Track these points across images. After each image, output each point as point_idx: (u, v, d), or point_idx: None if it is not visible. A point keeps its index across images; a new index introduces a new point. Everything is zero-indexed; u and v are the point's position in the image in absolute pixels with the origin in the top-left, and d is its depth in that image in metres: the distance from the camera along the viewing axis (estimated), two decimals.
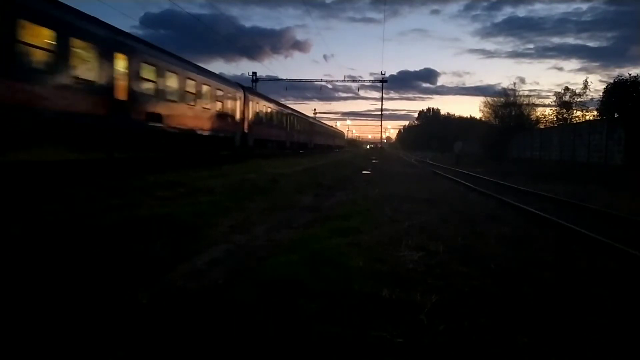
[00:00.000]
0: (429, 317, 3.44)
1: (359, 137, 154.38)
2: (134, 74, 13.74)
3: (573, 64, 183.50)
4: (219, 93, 20.79)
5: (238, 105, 23.62)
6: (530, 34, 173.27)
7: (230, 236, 6.43)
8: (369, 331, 3.20)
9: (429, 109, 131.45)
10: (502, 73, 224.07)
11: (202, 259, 5.18)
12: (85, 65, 11.57)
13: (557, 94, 36.14)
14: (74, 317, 3.32)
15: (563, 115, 34.52)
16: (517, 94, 43.05)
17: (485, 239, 6.45)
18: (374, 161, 37.43)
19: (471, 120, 79.92)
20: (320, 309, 3.56)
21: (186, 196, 9.96)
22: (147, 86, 14.62)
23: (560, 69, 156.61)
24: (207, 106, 19.37)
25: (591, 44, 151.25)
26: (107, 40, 12.49)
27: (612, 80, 23.81)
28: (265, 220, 7.81)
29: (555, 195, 12.52)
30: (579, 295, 4.21)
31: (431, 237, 6.33)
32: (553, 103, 37.53)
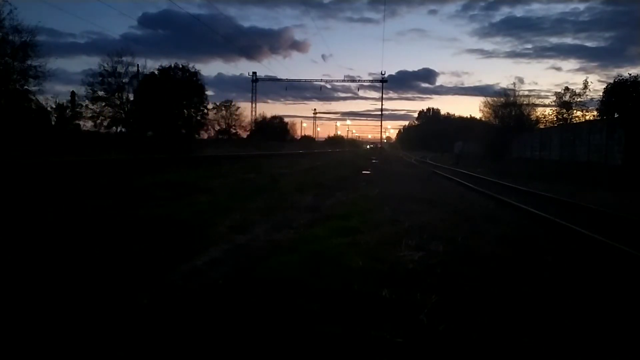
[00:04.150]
0: (429, 317, 3.44)
1: (359, 137, 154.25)
2: None
3: (571, 64, 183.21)
4: None
5: None
6: (528, 34, 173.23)
7: (230, 236, 6.42)
8: (369, 331, 3.20)
9: (429, 109, 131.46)
10: (500, 73, 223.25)
11: (202, 259, 5.18)
12: None
13: (557, 94, 36.13)
14: (75, 317, 3.32)
15: (563, 115, 34.49)
16: (516, 94, 43.06)
17: (485, 239, 6.45)
18: (374, 161, 37.42)
19: (471, 120, 79.84)
20: (321, 308, 3.56)
21: (186, 196, 9.97)
22: None
23: (559, 69, 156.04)
24: None
25: (589, 44, 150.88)
26: None
27: (610, 80, 23.79)
28: (266, 220, 7.80)
29: (555, 195, 12.51)
30: (579, 295, 4.20)
31: (431, 237, 6.33)
32: (552, 103, 37.53)
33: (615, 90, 22.62)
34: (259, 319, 3.34)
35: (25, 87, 29.86)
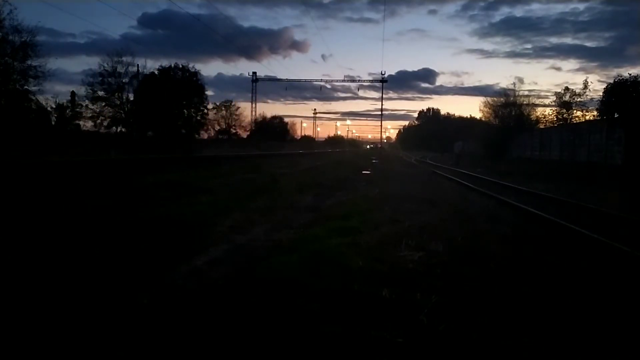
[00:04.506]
0: (429, 317, 3.44)
1: (359, 137, 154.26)
2: None
3: (571, 64, 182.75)
4: None
5: None
6: (527, 34, 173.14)
7: (230, 236, 6.42)
8: (369, 331, 3.20)
9: (429, 109, 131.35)
10: (500, 73, 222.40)
11: (202, 259, 5.18)
12: None
13: (557, 94, 36.12)
14: (75, 317, 3.32)
15: (563, 115, 34.49)
16: (516, 94, 43.08)
17: (485, 239, 6.44)
18: (374, 161, 37.41)
19: (471, 120, 79.87)
20: (321, 308, 3.56)
21: (186, 196, 9.97)
22: None
23: (559, 69, 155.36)
24: None
25: (589, 44, 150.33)
26: None
27: (610, 80, 23.80)
28: (266, 220, 7.80)
29: (555, 195, 12.51)
30: (580, 295, 4.20)
31: (431, 237, 6.33)
32: (552, 103, 37.53)
33: (615, 90, 22.62)
34: (259, 318, 3.34)
35: (25, 87, 29.95)
